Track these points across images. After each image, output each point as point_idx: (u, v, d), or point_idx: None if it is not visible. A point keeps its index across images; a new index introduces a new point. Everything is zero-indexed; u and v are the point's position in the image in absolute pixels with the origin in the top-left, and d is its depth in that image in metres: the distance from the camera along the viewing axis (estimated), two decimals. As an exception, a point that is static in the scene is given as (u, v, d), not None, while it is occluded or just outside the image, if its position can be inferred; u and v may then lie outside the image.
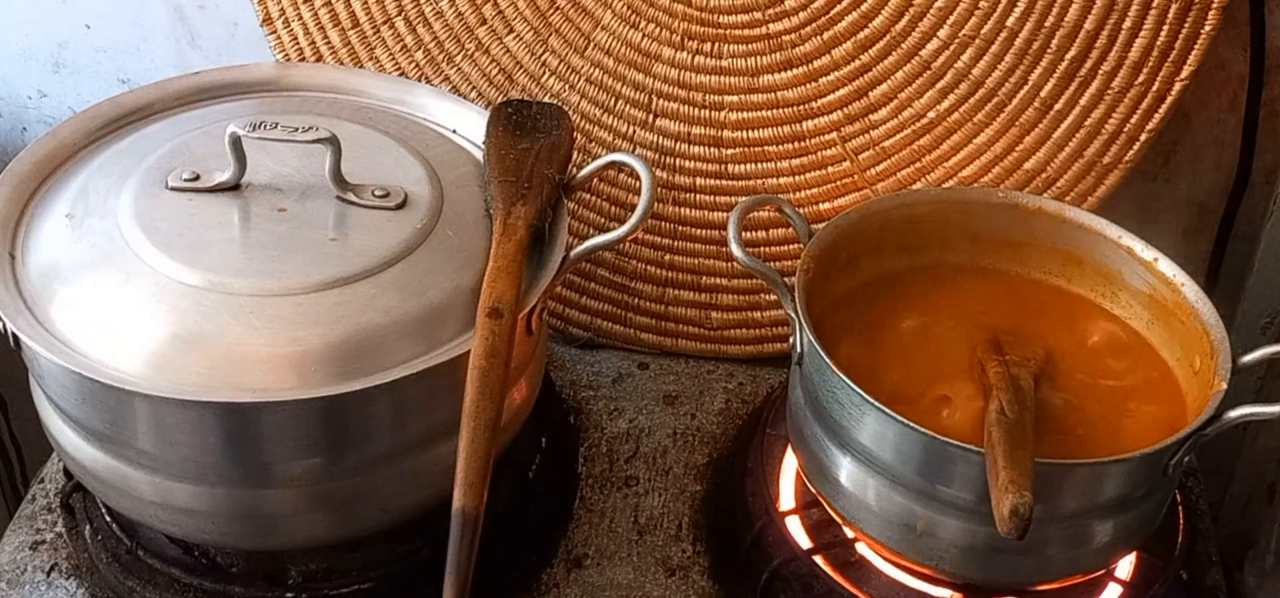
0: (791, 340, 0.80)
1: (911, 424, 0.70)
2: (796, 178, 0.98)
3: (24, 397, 0.80)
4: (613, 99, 0.98)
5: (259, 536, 0.74)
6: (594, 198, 1.00)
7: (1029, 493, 0.64)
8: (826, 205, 0.98)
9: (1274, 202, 0.98)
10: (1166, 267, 0.83)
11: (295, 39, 0.99)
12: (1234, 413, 0.72)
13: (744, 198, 0.87)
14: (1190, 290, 0.81)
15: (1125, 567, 0.82)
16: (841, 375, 0.73)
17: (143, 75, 1.08)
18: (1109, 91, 0.91)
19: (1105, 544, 0.75)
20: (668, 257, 1.01)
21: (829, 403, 0.75)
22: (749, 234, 0.99)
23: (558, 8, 0.96)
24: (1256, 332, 1.02)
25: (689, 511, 0.90)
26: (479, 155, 0.87)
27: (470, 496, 0.66)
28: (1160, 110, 0.91)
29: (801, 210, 0.89)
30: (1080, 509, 0.73)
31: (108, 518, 0.83)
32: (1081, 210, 0.87)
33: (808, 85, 0.95)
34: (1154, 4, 0.89)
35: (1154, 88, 0.91)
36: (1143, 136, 0.92)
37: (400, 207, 0.78)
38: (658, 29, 0.96)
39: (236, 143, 0.77)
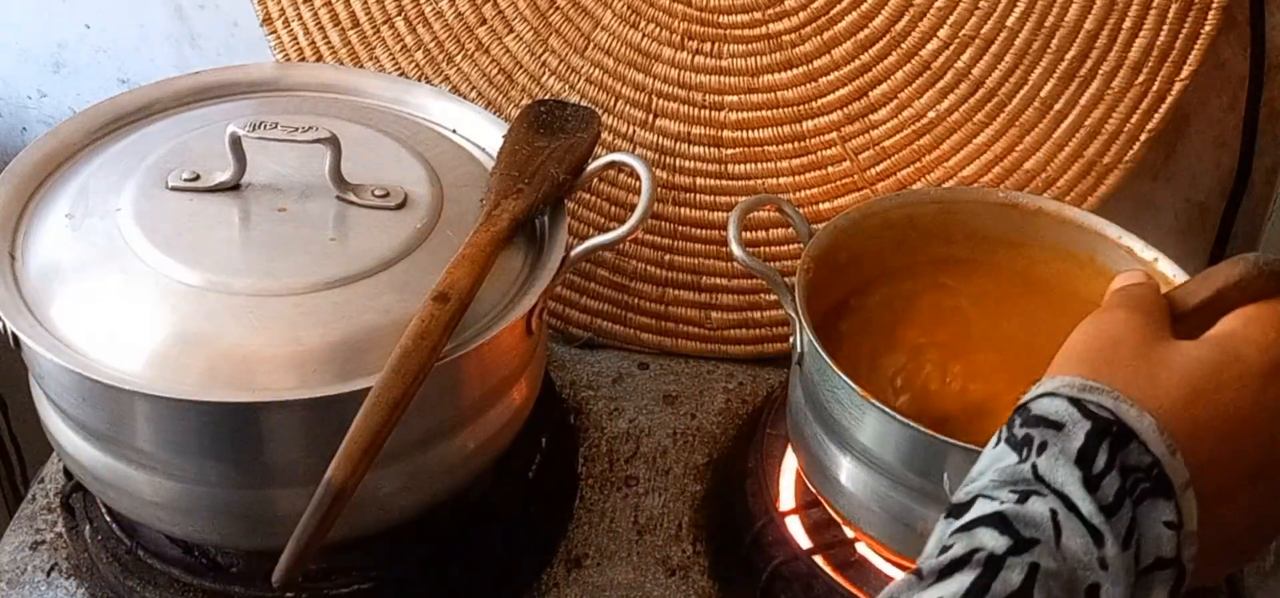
0: (791, 340, 0.80)
1: (912, 424, 0.70)
2: (796, 178, 0.98)
3: (24, 397, 0.80)
4: (613, 99, 0.98)
5: (259, 536, 0.74)
6: (594, 198, 1.00)
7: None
8: (826, 205, 0.98)
9: (1274, 202, 0.98)
10: (1166, 267, 0.83)
11: (295, 39, 0.99)
12: (1234, 413, 0.72)
13: (744, 198, 0.87)
14: (1190, 290, 0.81)
15: (1125, 567, 0.81)
16: (841, 375, 0.73)
17: (143, 75, 1.08)
18: (1109, 91, 0.91)
19: (1105, 544, 0.75)
20: (668, 257, 1.01)
21: (829, 403, 0.75)
22: (749, 234, 0.99)
23: (558, 8, 0.96)
24: (1256, 332, 1.02)
25: (689, 511, 0.90)
26: (479, 155, 0.87)
27: (345, 468, 0.63)
28: (1160, 110, 0.91)
29: (801, 210, 0.89)
30: (1080, 509, 0.73)
31: (108, 518, 0.83)
32: (1081, 210, 0.87)
33: (808, 85, 0.95)
34: (1154, 4, 0.89)
35: (1154, 88, 0.91)
36: (1143, 136, 0.92)
37: (400, 207, 0.78)
38: (658, 29, 0.96)
39: (236, 143, 0.77)
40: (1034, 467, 0.46)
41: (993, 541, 0.45)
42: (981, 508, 0.46)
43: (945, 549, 0.46)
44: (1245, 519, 0.49)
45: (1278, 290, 0.53)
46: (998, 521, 0.45)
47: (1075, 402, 0.47)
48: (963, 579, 0.44)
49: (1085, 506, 0.45)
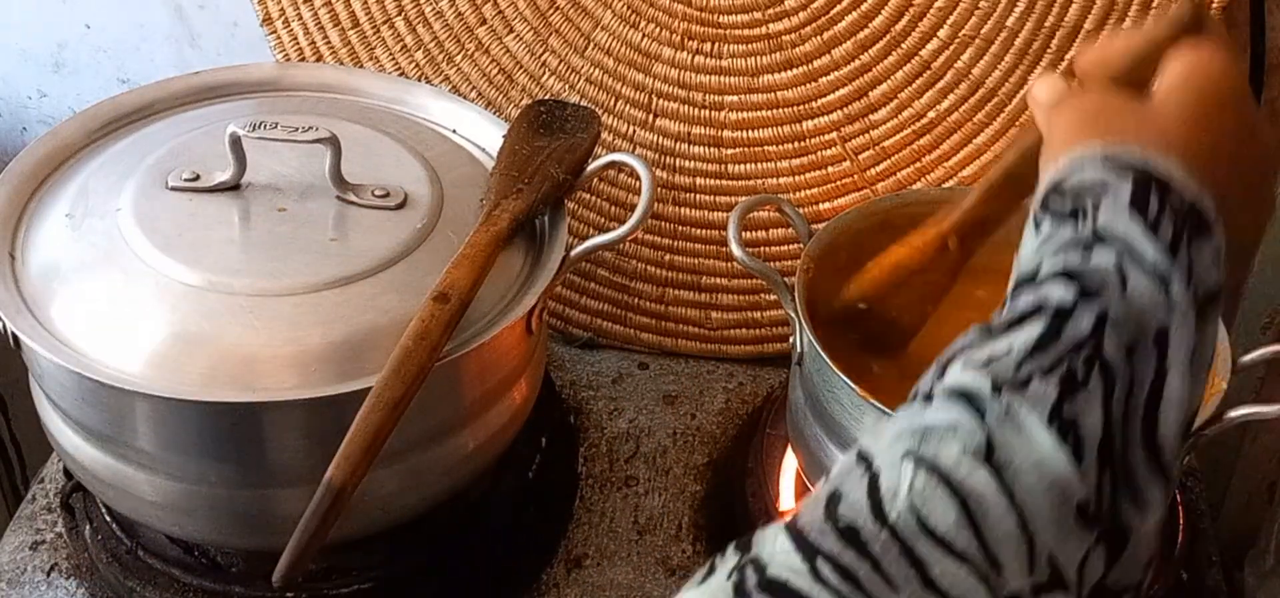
0: (791, 340, 0.80)
1: (911, 424, 0.70)
2: (796, 178, 0.98)
3: (24, 397, 0.80)
4: (613, 99, 0.98)
5: (259, 536, 0.74)
6: (594, 198, 1.00)
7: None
8: (826, 205, 0.98)
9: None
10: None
11: (295, 39, 0.99)
12: (1234, 413, 0.72)
13: (744, 198, 0.87)
14: (1190, 290, 0.81)
15: (1125, 567, 0.81)
16: (841, 375, 0.73)
17: (143, 75, 1.08)
18: (1109, 91, 0.91)
19: (1105, 544, 0.75)
20: (668, 257, 1.01)
21: (829, 403, 0.75)
22: (749, 234, 0.99)
23: (558, 8, 0.96)
24: (1256, 332, 1.02)
25: (689, 511, 0.90)
26: (479, 155, 0.87)
27: (345, 469, 0.64)
28: (1160, 110, 0.91)
29: (801, 210, 0.89)
30: (1080, 509, 0.72)
31: (108, 518, 0.83)
32: (1081, 210, 0.87)
33: (808, 85, 0.95)
34: (1154, 4, 0.89)
35: (1154, 88, 0.91)
36: (1143, 136, 0.92)
37: (400, 207, 0.78)
38: (658, 29, 0.96)
39: (236, 143, 0.77)
40: (1094, 223, 0.47)
41: (1061, 293, 0.46)
42: (1048, 269, 0.47)
43: (1015, 308, 0.47)
44: (1248, 229, 0.53)
45: (1199, 23, 0.53)
46: (1064, 276, 0.46)
47: (1107, 160, 0.49)
48: (1032, 329, 0.46)
49: (1150, 251, 0.46)
